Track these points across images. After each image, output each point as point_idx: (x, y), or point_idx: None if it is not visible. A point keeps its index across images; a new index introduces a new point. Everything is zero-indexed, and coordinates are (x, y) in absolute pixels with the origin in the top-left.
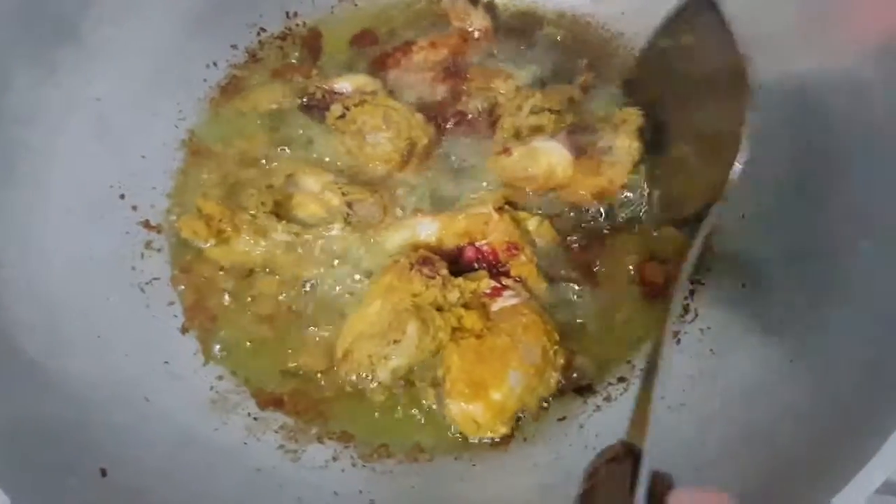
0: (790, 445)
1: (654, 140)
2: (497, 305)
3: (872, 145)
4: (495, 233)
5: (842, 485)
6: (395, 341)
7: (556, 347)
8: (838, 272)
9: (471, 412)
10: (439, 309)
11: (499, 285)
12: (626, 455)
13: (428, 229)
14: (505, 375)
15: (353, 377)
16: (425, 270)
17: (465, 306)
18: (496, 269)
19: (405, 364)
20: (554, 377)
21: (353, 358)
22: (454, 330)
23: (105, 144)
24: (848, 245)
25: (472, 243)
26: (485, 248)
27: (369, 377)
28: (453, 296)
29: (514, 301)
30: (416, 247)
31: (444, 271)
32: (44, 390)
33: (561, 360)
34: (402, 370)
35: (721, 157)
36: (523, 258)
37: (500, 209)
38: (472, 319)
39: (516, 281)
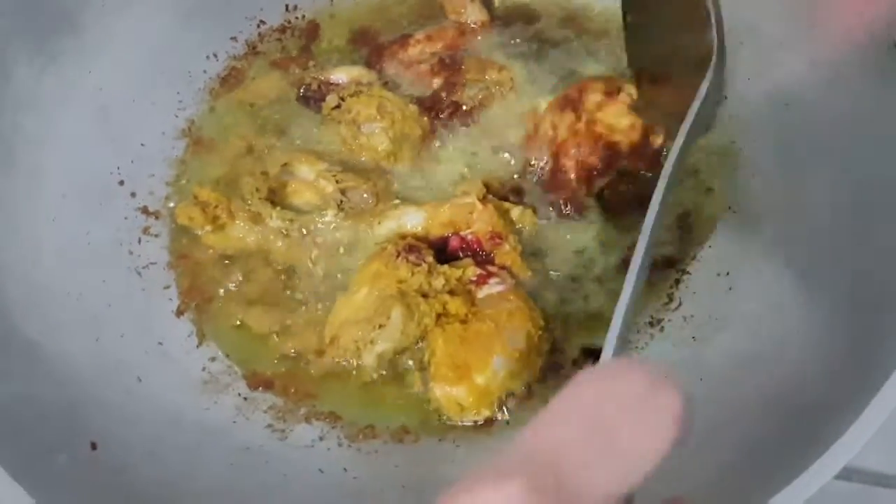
0: (753, 431)
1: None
2: (483, 292)
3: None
4: (479, 222)
5: (800, 471)
6: (380, 326)
7: (540, 333)
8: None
9: (454, 395)
10: (424, 295)
11: (484, 273)
12: None
13: (414, 219)
14: (489, 360)
15: (341, 361)
16: (411, 258)
17: (451, 293)
18: (481, 258)
19: (391, 348)
20: (539, 363)
21: (339, 343)
22: (439, 316)
23: (105, 133)
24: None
25: (456, 233)
26: (469, 237)
27: (356, 361)
28: (438, 282)
29: (499, 288)
30: (402, 236)
31: (430, 259)
32: (38, 368)
33: (546, 346)
34: (388, 354)
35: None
36: (507, 247)
37: (483, 199)
38: (456, 305)
39: (501, 269)
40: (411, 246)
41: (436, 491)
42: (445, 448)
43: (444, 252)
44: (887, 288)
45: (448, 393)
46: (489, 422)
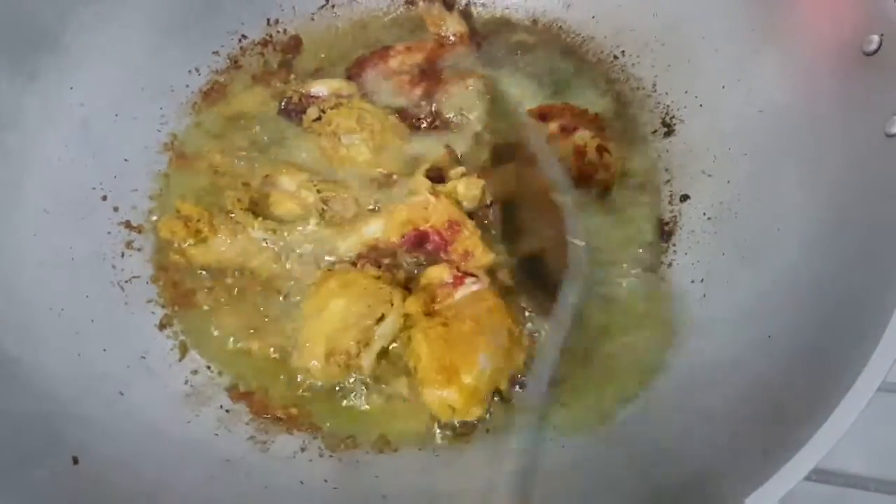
0: (724, 435)
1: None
2: (460, 293)
3: None
4: (434, 215)
5: (771, 473)
6: (380, 320)
7: (520, 328)
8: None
9: (445, 397)
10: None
11: (459, 274)
12: None
13: (374, 228)
14: (475, 359)
15: (339, 368)
16: (369, 264)
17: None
18: (445, 250)
19: (385, 346)
20: (522, 356)
21: (336, 353)
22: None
23: (88, 148)
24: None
25: (416, 229)
26: (428, 231)
27: (352, 369)
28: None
29: (475, 287)
30: (366, 245)
31: (387, 260)
32: (18, 383)
33: (526, 340)
34: (381, 355)
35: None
36: (466, 233)
37: (434, 193)
38: (413, 303)
39: (465, 255)
40: (360, 255)
41: (416, 500)
42: (425, 457)
43: (414, 252)
44: (855, 293)
45: (439, 396)
46: (469, 429)
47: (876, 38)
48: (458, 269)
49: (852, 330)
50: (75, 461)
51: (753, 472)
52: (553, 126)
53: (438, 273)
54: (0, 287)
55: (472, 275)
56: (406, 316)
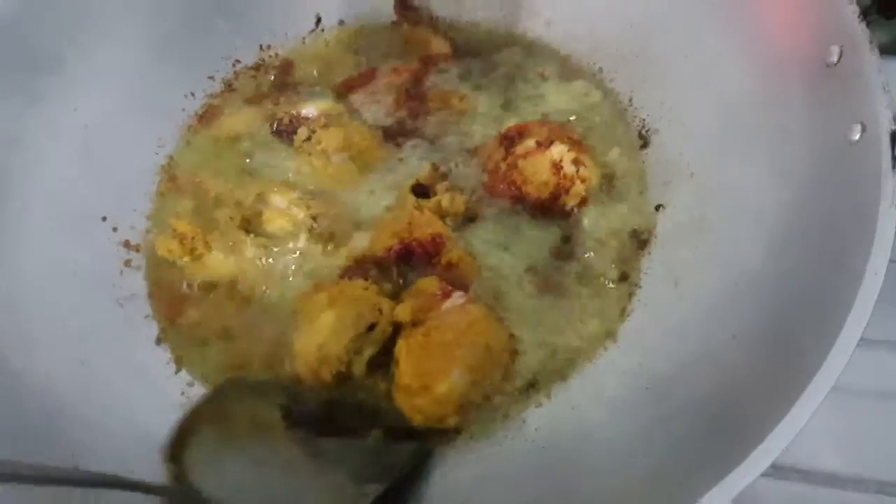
0: (688, 431)
1: None
2: (447, 306)
3: None
4: (418, 228)
5: (730, 469)
6: (370, 328)
7: (501, 345)
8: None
9: (416, 404)
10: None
11: (448, 288)
12: None
13: (361, 242)
14: (450, 370)
15: (331, 376)
16: (356, 277)
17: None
18: (430, 262)
19: (375, 354)
20: (499, 373)
21: (329, 361)
22: (402, 325)
23: (88, 170)
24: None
25: (401, 242)
26: (413, 244)
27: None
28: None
29: (461, 301)
30: (354, 259)
31: (374, 272)
32: (22, 391)
33: (507, 357)
34: (370, 360)
35: None
36: (449, 245)
37: (419, 207)
38: (403, 311)
39: (450, 266)
40: (348, 268)
41: None
42: None
43: (402, 265)
44: (815, 294)
45: (411, 401)
46: (454, 435)
47: (836, 49)
48: (447, 282)
49: (812, 329)
50: None
51: (711, 469)
52: (530, 142)
53: (428, 285)
54: (6, 303)
55: (461, 289)
56: (396, 324)
